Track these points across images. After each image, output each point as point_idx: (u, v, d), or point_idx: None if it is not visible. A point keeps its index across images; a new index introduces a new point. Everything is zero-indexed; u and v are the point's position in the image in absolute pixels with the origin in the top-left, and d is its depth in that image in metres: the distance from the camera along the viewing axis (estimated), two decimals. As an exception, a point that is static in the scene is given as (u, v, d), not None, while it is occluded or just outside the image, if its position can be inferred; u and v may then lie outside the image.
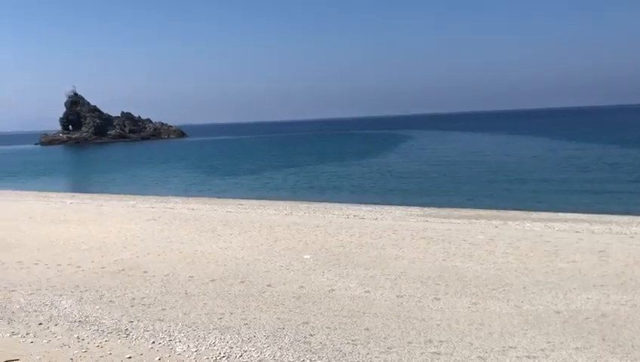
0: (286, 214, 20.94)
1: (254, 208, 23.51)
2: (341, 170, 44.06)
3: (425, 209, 22.98)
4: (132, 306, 9.53)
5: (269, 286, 10.57)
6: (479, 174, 37.07)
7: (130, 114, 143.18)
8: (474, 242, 14.28)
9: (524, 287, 10.14)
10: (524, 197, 26.56)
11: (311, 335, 8.04)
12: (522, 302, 9.36)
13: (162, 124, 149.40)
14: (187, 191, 34.62)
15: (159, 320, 8.78)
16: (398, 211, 22.14)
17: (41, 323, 8.73)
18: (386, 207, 23.56)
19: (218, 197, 29.86)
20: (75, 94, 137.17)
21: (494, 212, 21.58)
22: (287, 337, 7.98)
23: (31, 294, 10.34)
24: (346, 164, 49.36)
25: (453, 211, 22.01)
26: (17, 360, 7.26)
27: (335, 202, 26.25)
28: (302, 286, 10.49)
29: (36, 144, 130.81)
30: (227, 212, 21.98)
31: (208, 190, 34.58)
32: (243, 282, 10.89)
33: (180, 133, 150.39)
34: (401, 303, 9.41)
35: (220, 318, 8.81)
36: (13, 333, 8.30)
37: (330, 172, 43.05)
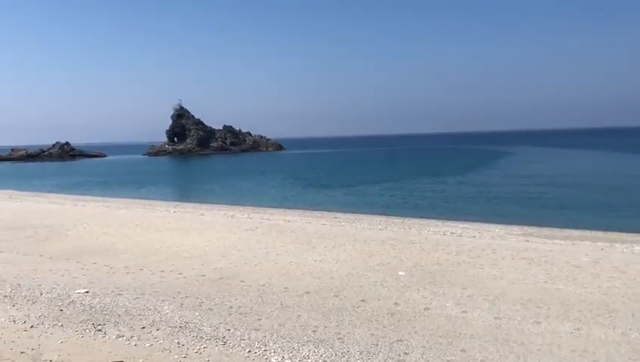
0: (380, 229, 20.82)
1: (349, 222, 23.54)
2: (438, 186, 43.38)
3: (525, 228, 22.18)
4: (229, 314, 9.75)
5: (362, 301, 10.52)
6: (582, 193, 35.44)
7: (231, 127, 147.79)
8: (578, 264, 13.63)
9: (633, 314, 9.55)
10: (633, 219, 25.08)
11: (405, 353, 7.91)
12: (630, 329, 8.81)
13: (261, 137, 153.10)
14: (283, 202, 35.13)
15: (255, 329, 8.93)
16: (497, 229, 21.50)
17: (144, 327, 9.09)
18: (485, 225, 22.93)
19: (313, 210, 30.13)
20: (181, 108, 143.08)
21: (599, 233, 20.52)
22: (381, 354, 7.89)
23: (136, 298, 10.79)
24: (443, 180, 48.55)
25: (556, 231, 21.11)
26: None
27: (431, 218, 25.83)
28: (396, 303, 10.36)
29: (144, 155, 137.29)
30: (322, 225, 22.13)
31: (304, 202, 34.92)
32: (337, 296, 10.89)
33: (278, 146, 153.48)
34: (500, 325, 9.10)
35: (314, 331, 8.84)
36: (118, 336, 8.68)
37: (427, 187, 42.49)
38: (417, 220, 24.89)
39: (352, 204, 33.53)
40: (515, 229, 21.67)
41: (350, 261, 14.17)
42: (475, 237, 18.98)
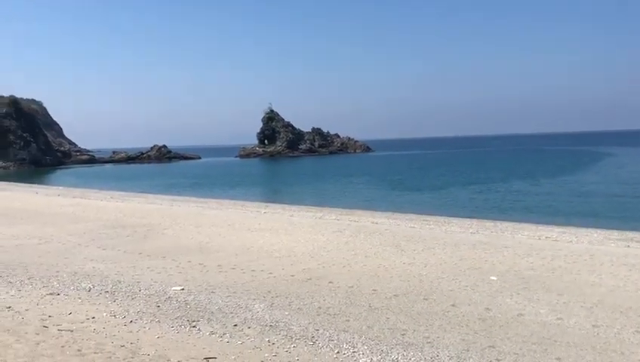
0: (472, 233, 20.38)
1: (439, 225, 23.19)
2: (532, 189, 42.01)
3: (626, 233, 21.09)
4: (318, 315, 9.82)
5: (453, 305, 10.33)
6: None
7: (319, 129, 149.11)
8: (685, 272, 12.81)
9: None
10: None
11: (497, 360, 7.70)
12: None
13: (349, 138, 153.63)
14: (371, 204, 35.11)
15: (344, 331, 8.95)
16: (595, 234, 20.56)
17: (236, 325, 9.31)
18: (582, 230, 21.98)
19: (401, 212, 29.93)
20: (271, 111, 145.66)
21: None
22: (471, 360, 7.71)
23: (228, 296, 11.07)
24: (537, 182, 46.98)
25: (660, 237, 19.95)
26: (215, 358, 7.80)
27: (525, 222, 25.04)
28: (488, 309, 10.11)
29: (236, 157, 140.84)
30: (411, 227, 21.91)
31: (392, 205, 34.74)
32: (426, 299, 10.75)
33: (366, 147, 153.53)
34: (598, 334, 8.69)
35: (403, 334, 8.76)
36: (211, 332, 8.93)
37: (520, 190, 41.26)
38: (510, 224, 24.20)
39: (441, 207, 33.04)
40: (615, 234, 20.65)
41: (440, 264, 13.95)
42: (571, 241, 18.23)
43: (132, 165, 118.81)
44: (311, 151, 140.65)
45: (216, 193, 46.32)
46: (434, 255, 15.21)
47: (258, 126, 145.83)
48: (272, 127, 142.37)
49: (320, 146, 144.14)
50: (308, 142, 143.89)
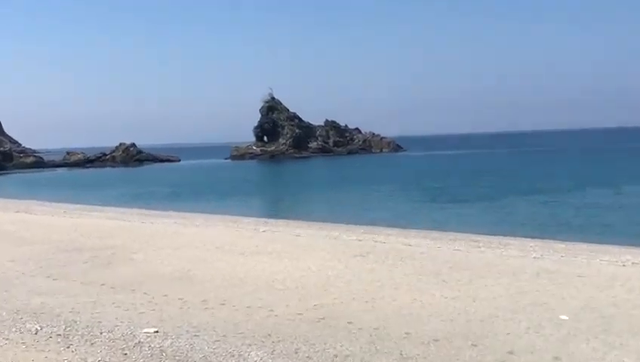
0: (535, 257, 20.28)
1: (491, 247, 23.09)
2: (613, 200, 41.79)
3: None
4: (334, 366, 9.79)
5: (510, 353, 10.27)
6: None
7: (334, 123, 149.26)
8: None
9: None
10: None
11: None
12: None
13: (373, 134, 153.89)
14: (403, 221, 35.06)
15: (367, 386, 8.91)
16: (697, 260, 20.39)
17: (226, 378, 9.30)
18: (680, 254, 21.81)
19: (442, 230, 29.80)
20: (272, 99, 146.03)
21: None
22: (535, 425, 7.66)
23: (216, 341, 11.06)
24: (620, 191, 46.70)
25: None
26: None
27: (605, 243, 24.87)
28: (557, 358, 10.04)
29: (226, 159, 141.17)
30: (455, 250, 21.83)
31: (430, 221, 34.75)
32: (475, 346, 10.69)
33: (395, 146, 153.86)
34: (703, 392, 8.60)
35: (445, 391, 8.71)
36: (194, 388, 8.93)
37: (599, 202, 41.02)
38: (585, 245, 24.03)
39: (494, 223, 32.93)
40: None
41: (493, 299, 13.88)
42: (666, 269, 18.09)
43: (91, 169, 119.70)
44: (324, 150, 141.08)
45: (200, 206, 46.36)
46: (485, 287, 15.15)
47: (255, 118, 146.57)
48: (274, 119, 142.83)
49: (336, 144, 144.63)
50: (320, 138, 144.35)
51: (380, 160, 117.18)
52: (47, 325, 12.12)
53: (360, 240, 24.49)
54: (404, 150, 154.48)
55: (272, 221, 34.75)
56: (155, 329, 11.74)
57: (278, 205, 49.33)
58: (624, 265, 18.67)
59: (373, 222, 33.73)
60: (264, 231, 28.05)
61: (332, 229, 29.59)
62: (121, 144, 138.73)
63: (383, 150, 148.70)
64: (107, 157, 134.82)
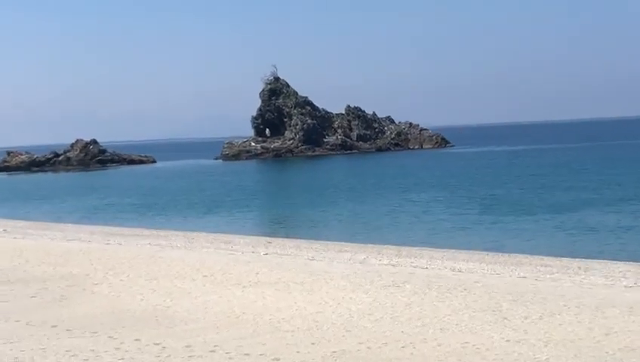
0: (626, 286, 20.17)
1: (567, 273, 22.97)
2: None
3: None
4: None
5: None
6: None
7: (359, 110, 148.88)
8: None
9: None
10: None
11: None
12: None
13: (411, 125, 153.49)
14: (448, 238, 35.00)
15: None
16: None
17: None
18: None
19: (502, 252, 29.72)
20: (276, 79, 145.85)
21: None
22: None
23: (204, 400, 11.08)
24: None
25: None
26: None
27: None
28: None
29: (216, 158, 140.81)
30: (519, 278, 21.75)
31: (484, 239, 34.80)
32: (548, 404, 10.66)
33: (440, 140, 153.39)
34: None
35: None
36: None
37: None
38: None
39: (570, 242, 32.78)
40: None
41: (571, 342, 13.82)
42: None
43: (40, 174, 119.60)
44: (345, 146, 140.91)
45: (182, 221, 46.48)
46: (560, 326, 15.09)
47: (254, 106, 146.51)
48: (278, 106, 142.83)
49: (361, 138, 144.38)
50: (340, 131, 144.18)
51: (420, 158, 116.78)
52: (-17, 380, 12.17)
53: (393, 266, 24.41)
54: (452, 145, 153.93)
55: (276, 241, 34.72)
56: (125, 385, 11.77)
57: (285, 220, 49.17)
58: None
59: (410, 242, 33.63)
60: (266, 255, 28.02)
61: (356, 251, 29.54)
62: (77, 141, 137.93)
63: (424, 146, 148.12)
64: (60, 158, 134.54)
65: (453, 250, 30.55)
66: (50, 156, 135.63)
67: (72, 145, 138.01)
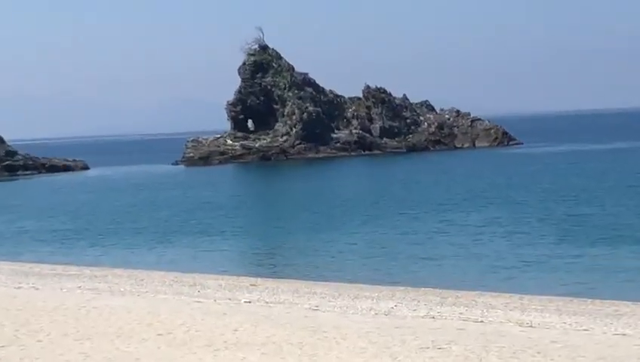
0: None
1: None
2: None
3: None
4: None
5: None
6: None
7: (383, 91, 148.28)
8: None
9: None
10: None
11: None
12: None
13: (458, 113, 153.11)
14: (512, 279, 35.32)
15: None
16: None
17: None
18: None
19: (589, 298, 29.79)
20: (264, 48, 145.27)
21: None
22: None
23: None
24: None
25: None
26: None
27: None
28: None
29: (174, 164, 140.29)
30: (616, 335, 21.79)
31: (563, 278, 35.13)
32: None
33: (501, 135, 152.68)
34: None
35: None
36: None
37: None
38: None
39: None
40: None
41: None
42: None
43: None
44: (364, 145, 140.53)
45: (126, 255, 46.52)
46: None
47: (231, 87, 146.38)
48: (266, 86, 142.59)
49: (386, 133, 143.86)
50: (356, 122, 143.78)
51: (473, 162, 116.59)
52: None
53: (433, 318, 24.46)
54: (518, 142, 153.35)
55: (264, 282, 34.82)
56: None
57: (276, 252, 49.02)
58: None
59: (457, 284, 33.75)
60: (249, 303, 28.08)
61: (380, 297, 29.61)
62: None
63: (478, 143, 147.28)
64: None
65: (519, 296, 30.62)
66: None
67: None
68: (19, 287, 32.66)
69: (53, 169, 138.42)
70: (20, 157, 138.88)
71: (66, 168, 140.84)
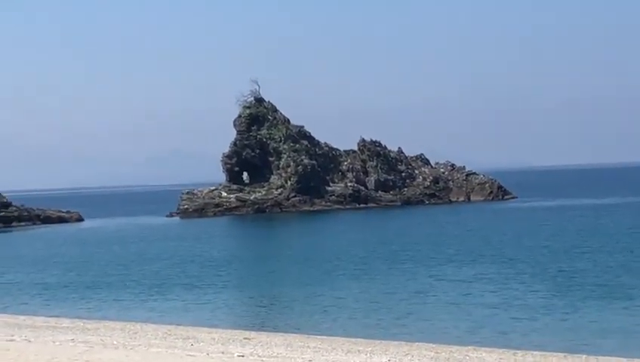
0: None
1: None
2: None
3: None
4: None
5: None
6: None
7: (378, 144, 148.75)
8: None
9: None
10: None
11: None
12: None
13: (453, 167, 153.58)
14: (505, 334, 35.39)
15: None
16: None
17: None
18: None
19: (585, 354, 29.74)
20: (259, 101, 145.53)
21: None
22: None
23: None
24: None
25: None
26: None
27: None
28: None
29: (169, 216, 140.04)
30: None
31: (559, 334, 35.21)
32: None
33: (496, 189, 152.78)
34: None
35: None
36: None
37: None
38: None
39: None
40: None
41: None
42: None
43: None
44: (359, 198, 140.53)
45: (120, 308, 46.41)
46: None
47: (226, 140, 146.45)
48: (261, 139, 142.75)
49: (382, 187, 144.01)
50: (351, 175, 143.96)
51: (467, 216, 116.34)
52: None
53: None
54: (512, 197, 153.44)
55: (257, 336, 34.79)
56: None
57: (270, 305, 48.87)
58: None
59: (449, 338, 33.70)
60: (241, 357, 28.05)
61: (374, 351, 29.61)
62: None
63: (473, 197, 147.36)
64: None
65: (512, 351, 30.67)
66: None
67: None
68: (11, 340, 32.60)
69: (48, 220, 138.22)
70: (14, 208, 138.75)
71: (61, 220, 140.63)
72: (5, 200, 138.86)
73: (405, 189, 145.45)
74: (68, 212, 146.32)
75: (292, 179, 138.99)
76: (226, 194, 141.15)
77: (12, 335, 34.30)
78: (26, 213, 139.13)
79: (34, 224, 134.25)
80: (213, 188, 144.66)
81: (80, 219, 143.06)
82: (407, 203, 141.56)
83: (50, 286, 58.24)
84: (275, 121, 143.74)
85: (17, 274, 66.61)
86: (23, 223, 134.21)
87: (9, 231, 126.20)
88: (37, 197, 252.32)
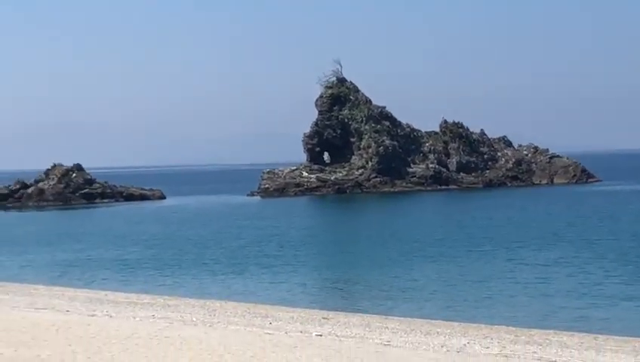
0: None
1: None
2: None
3: None
4: None
5: None
6: None
7: (460, 126, 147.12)
8: None
9: None
10: None
11: None
12: None
13: (536, 150, 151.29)
14: (585, 317, 34.92)
15: None
16: None
17: None
18: None
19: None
20: (341, 82, 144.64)
21: None
22: None
23: None
24: None
25: None
26: None
27: None
28: None
29: (251, 194, 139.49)
30: None
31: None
32: None
33: (580, 172, 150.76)
34: None
35: None
36: None
37: None
38: None
39: None
40: None
41: None
42: None
43: (0, 212, 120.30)
44: (440, 180, 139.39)
45: (199, 285, 46.48)
46: None
47: (308, 120, 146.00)
48: (343, 119, 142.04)
49: (464, 169, 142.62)
50: (432, 157, 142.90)
51: (550, 199, 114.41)
52: None
53: (506, 356, 24.22)
54: (597, 180, 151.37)
55: (335, 316, 34.64)
56: None
57: (348, 286, 48.41)
58: None
59: (529, 321, 33.43)
60: (320, 336, 27.91)
61: (452, 333, 29.43)
62: (55, 166, 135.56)
63: (556, 180, 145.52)
64: (29, 190, 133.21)
65: (593, 335, 30.25)
66: (15, 187, 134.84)
67: (47, 173, 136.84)
68: (93, 315, 32.68)
69: (131, 198, 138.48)
70: (97, 185, 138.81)
71: (144, 197, 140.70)
72: (89, 177, 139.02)
73: (487, 171, 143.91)
74: (150, 189, 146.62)
75: (373, 159, 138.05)
76: (306, 174, 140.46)
77: (94, 311, 34.40)
78: (109, 190, 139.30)
79: (117, 201, 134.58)
80: (294, 167, 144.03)
81: (162, 197, 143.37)
82: (489, 185, 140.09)
83: (131, 263, 58.41)
84: (356, 102, 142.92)
85: (99, 251, 66.83)
86: (106, 200, 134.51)
87: (92, 208, 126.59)
88: (120, 174, 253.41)
